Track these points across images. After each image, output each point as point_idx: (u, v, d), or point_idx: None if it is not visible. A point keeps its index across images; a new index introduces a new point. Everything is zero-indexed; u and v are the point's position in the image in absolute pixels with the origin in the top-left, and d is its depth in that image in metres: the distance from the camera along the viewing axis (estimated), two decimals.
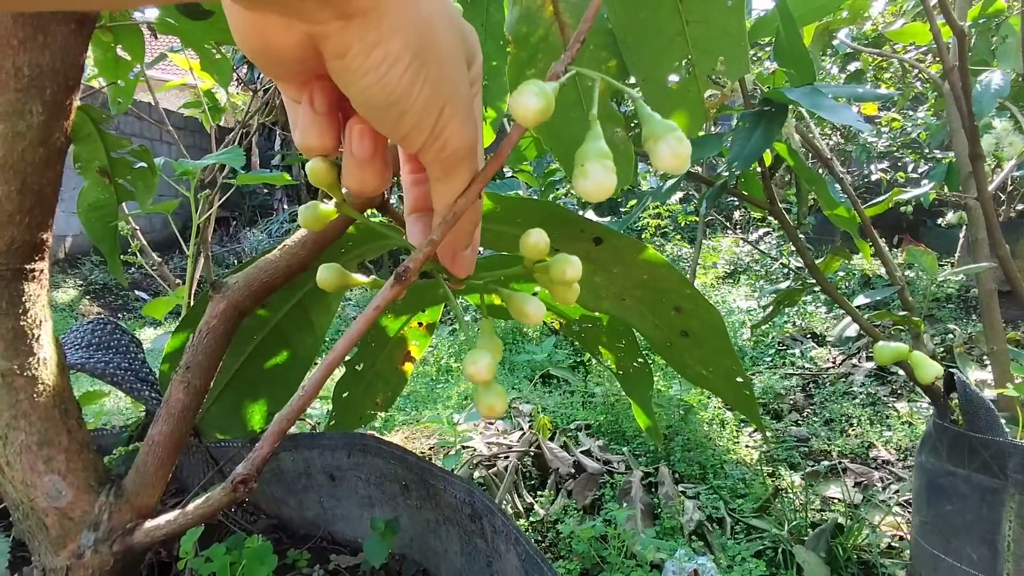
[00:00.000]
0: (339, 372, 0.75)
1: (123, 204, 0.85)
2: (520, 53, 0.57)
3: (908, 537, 1.48)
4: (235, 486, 0.32)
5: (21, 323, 0.35)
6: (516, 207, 0.53)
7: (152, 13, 0.85)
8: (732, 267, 3.94)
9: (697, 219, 3.87)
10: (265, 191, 5.84)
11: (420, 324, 0.69)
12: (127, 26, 0.76)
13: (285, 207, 5.40)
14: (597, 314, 0.71)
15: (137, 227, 1.43)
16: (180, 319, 0.59)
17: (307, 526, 0.67)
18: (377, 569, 0.57)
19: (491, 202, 0.52)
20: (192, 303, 0.78)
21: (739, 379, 0.57)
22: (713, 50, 0.53)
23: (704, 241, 4.02)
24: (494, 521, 0.44)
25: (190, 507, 0.34)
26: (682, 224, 3.90)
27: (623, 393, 2.36)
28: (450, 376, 2.73)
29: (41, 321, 0.36)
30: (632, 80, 0.57)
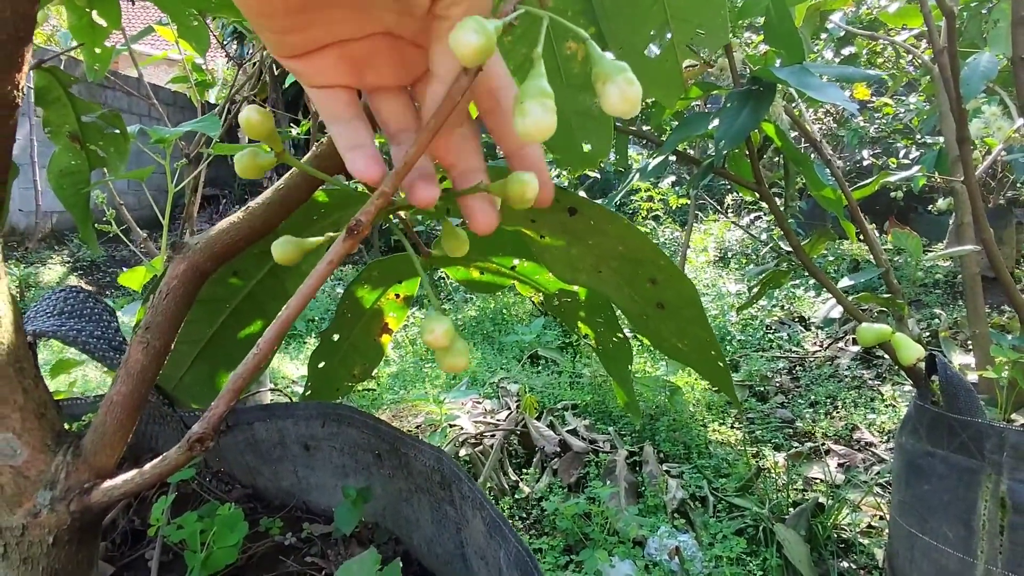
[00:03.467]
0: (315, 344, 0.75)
1: (106, 175, 0.84)
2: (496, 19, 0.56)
3: (888, 517, 1.50)
4: (191, 444, 0.32)
5: None
6: (491, 176, 0.52)
7: None
8: (723, 251, 3.95)
9: (688, 202, 3.86)
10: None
11: (397, 296, 0.68)
12: None
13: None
14: (575, 289, 0.71)
15: (122, 203, 1.42)
16: (148, 289, 0.59)
17: (282, 496, 0.67)
18: (349, 536, 0.57)
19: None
20: None
21: (713, 351, 0.58)
22: (691, 19, 0.52)
23: (696, 225, 4.01)
24: (461, 487, 0.44)
25: (147, 467, 0.33)
26: (674, 207, 3.89)
27: None
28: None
29: None
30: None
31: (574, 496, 1.57)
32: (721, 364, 0.58)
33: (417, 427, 1.96)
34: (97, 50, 0.84)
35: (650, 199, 3.78)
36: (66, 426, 0.40)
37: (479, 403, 2.18)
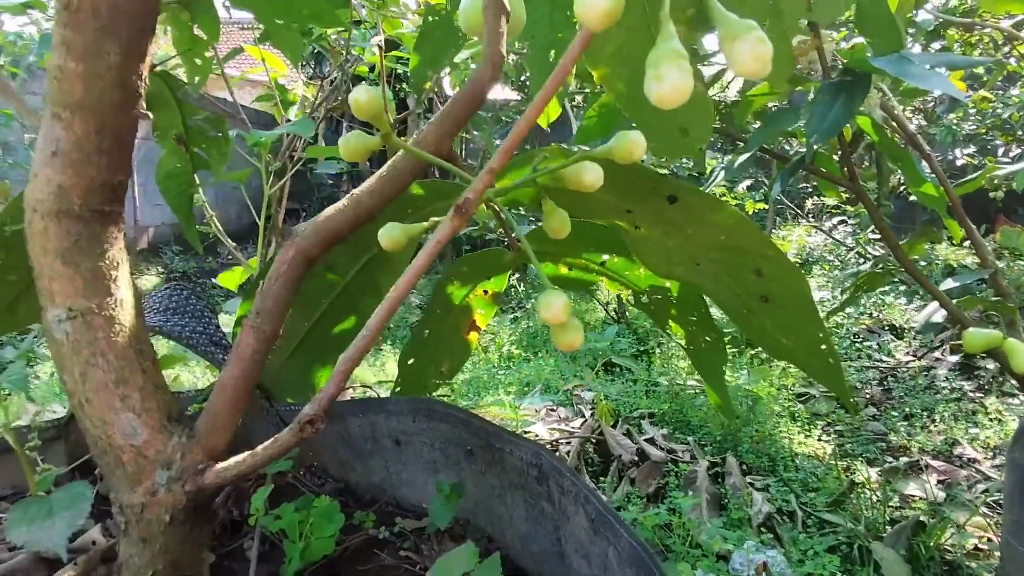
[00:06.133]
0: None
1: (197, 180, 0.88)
2: None
3: (996, 539, 1.39)
4: (302, 426, 0.32)
5: (99, 264, 0.35)
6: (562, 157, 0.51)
7: None
8: (804, 257, 3.78)
9: (766, 206, 3.72)
10: (331, 183, 5.99)
11: (485, 292, 0.68)
12: (202, 2, 0.78)
13: None
14: (667, 284, 0.69)
15: (213, 212, 1.48)
16: (250, 285, 0.60)
17: (373, 490, 0.67)
18: (442, 531, 0.57)
19: (563, 158, 0.50)
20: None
21: (824, 347, 0.54)
22: None
23: (774, 231, 3.87)
24: (562, 482, 0.43)
25: (259, 448, 0.34)
26: (750, 212, 3.77)
27: (688, 383, 2.30)
28: (511, 363, 2.73)
29: (118, 263, 0.37)
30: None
31: (653, 506, 1.53)
32: (832, 360, 0.54)
33: None
34: (198, 61, 0.88)
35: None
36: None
37: (553, 410, 2.15)
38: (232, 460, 0.35)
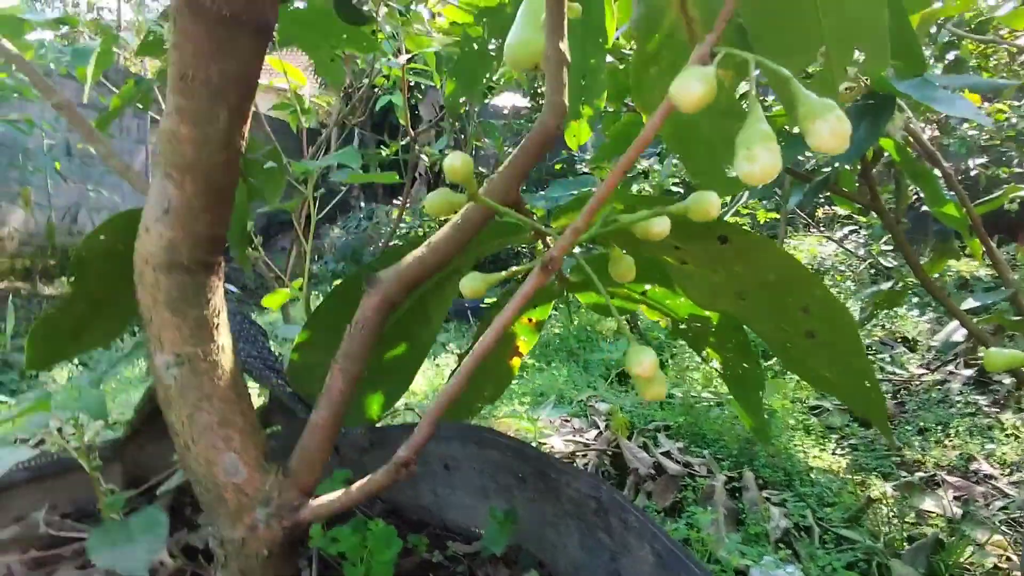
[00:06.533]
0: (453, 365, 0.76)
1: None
2: (644, 48, 0.57)
3: (1016, 558, 1.40)
4: (397, 468, 0.34)
5: (204, 312, 0.38)
6: (637, 204, 0.53)
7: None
8: (815, 267, 3.78)
9: (778, 216, 3.73)
10: (343, 189, 6.04)
11: (530, 320, 0.70)
12: None
13: (362, 205, 5.59)
14: (707, 314, 0.70)
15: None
16: (310, 315, 0.63)
17: (421, 513, 0.69)
18: (497, 556, 0.58)
19: (631, 206, 0.52)
20: (307, 293, 0.84)
21: (867, 382, 0.56)
22: (850, 40, 0.51)
23: (785, 240, 3.87)
24: (625, 516, 0.44)
25: (353, 487, 0.36)
26: (761, 222, 3.78)
27: (703, 395, 2.31)
28: (524, 373, 2.74)
29: (219, 311, 0.39)
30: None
31: (671, 521, 1.54)
32: (875, 395, 0.56)
33: None
34: None
35: (736, 213, 3.69)
36: None
37: (567, 421, 2.17)
38: (326, 498, 0.37)
